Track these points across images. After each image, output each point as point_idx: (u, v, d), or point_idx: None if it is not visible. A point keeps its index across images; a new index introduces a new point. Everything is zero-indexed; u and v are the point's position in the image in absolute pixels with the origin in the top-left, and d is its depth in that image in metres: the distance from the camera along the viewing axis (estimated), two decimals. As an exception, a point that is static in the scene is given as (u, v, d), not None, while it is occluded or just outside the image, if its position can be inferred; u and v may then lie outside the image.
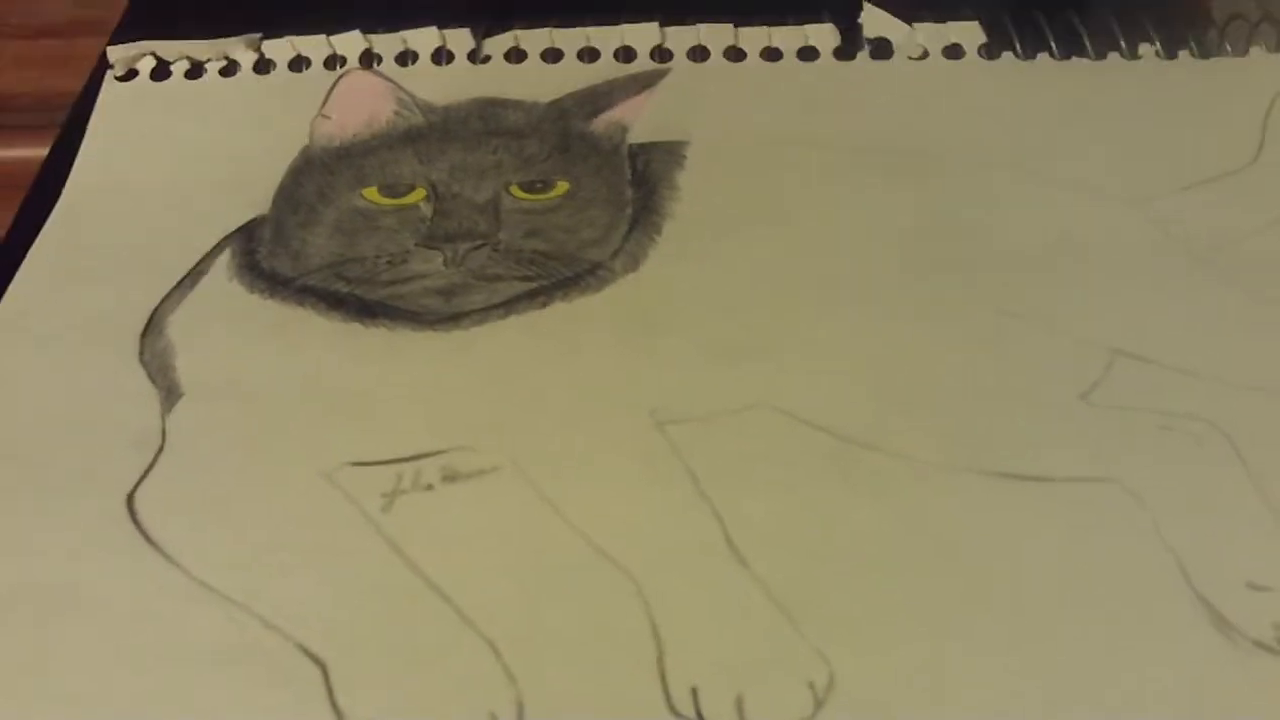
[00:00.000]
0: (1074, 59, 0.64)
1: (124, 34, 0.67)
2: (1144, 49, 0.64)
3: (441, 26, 0.66)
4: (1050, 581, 0.45)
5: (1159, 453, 0.48)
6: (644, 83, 0.64)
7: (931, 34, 0.65)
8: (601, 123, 0.61)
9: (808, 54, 0.65)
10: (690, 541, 0.46)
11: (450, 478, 0.48)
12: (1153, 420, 0.49)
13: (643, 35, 0.66)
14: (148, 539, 0.47)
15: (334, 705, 0.42)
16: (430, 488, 0.48)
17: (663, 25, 0.66)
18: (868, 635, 0.44)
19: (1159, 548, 0.45)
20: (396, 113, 0.61)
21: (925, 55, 0.65)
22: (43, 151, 0.62)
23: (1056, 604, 0.44)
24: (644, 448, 0.49)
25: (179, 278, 0.56)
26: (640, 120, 0.62)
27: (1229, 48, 0.64)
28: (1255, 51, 0.64)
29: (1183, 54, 0.64)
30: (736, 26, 0.66)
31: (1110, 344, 0.52)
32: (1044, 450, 0.48)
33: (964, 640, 0.43)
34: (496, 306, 0.54)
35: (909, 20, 0.65)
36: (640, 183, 0.59)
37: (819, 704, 0.42)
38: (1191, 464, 0.48)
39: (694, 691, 0.42)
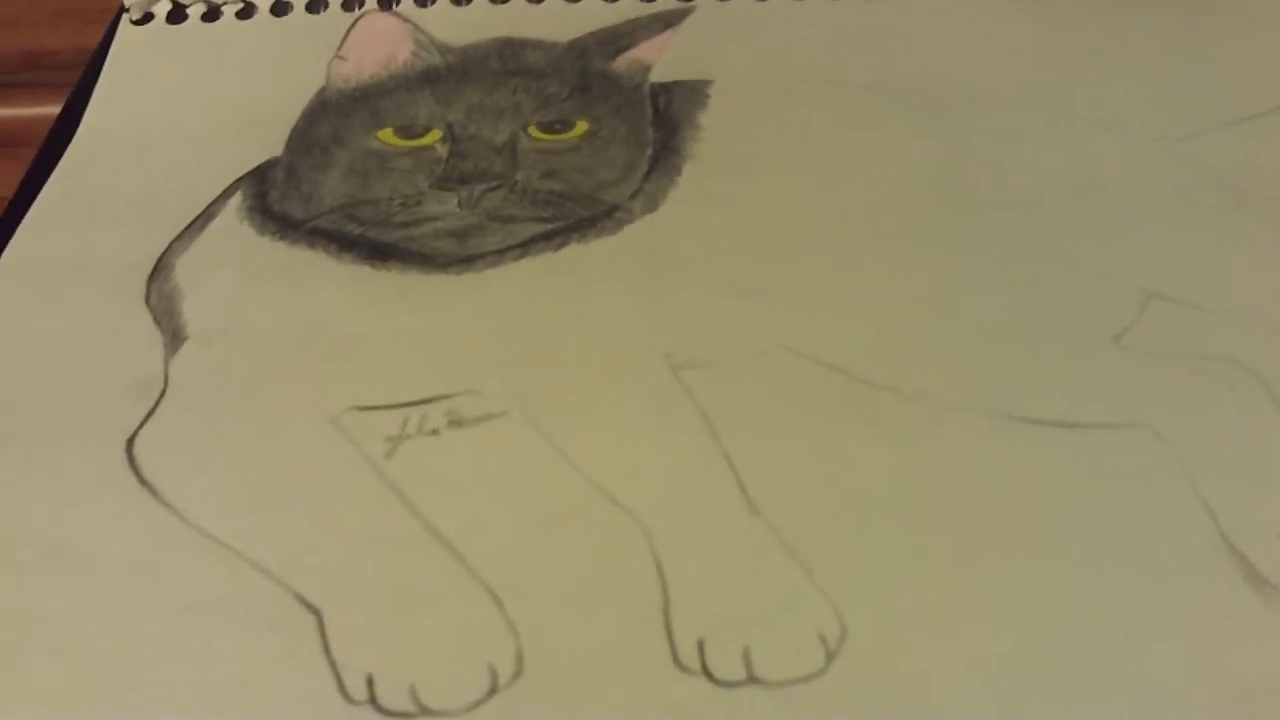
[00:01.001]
0: (1103, -9, 0.62)
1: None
2: (1176, -22, 0.62)
3: (462, -34, 0.65)
4: (1075, 532, 0.43)
5: (1191, 397, 0.47)
6: (667, 21, 0.62)
7: (960, -30, 0.64)
8: (623, 62, 0.60)
9: (835, -9, 0.63)
10: (702, 488, 0.45)
11: (456, 423, 0.47)
12: (1186, 364, 0.48)
13: (667, -28, 0.64)
14: (145, 484, 0.46)
15: (329, 656, 0.41)
16: (436, 433, 0.47)
17: (688, -38, 0.64)
18: (883, 585, 0.42)
19: (1190, 497, 0.44)
20: (414, 53, 0.60)
21: (951, -8, 0.63)
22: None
23: (1081, 555, 0.43)
24: (657, 392, 0.48)
25: (189, 221, 0.55)
26: (663, 59, 0.61)
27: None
28: (1296, -16, 0.62)
29: (1219, -13, 0.62)
30: (763, -37, 0.64)
31: (1144, 286, 0.50)
32: (1071, 394, 0.47)
33: (983, 592, 0.42)
34: (511, 248, 0.53)
35: (937, -43, 0.63)
36: (662, 123, 0.58)
37: (830, 656, 0.41)
38: (1224, 409, 0.46)
39: (700, 644, 0.41)
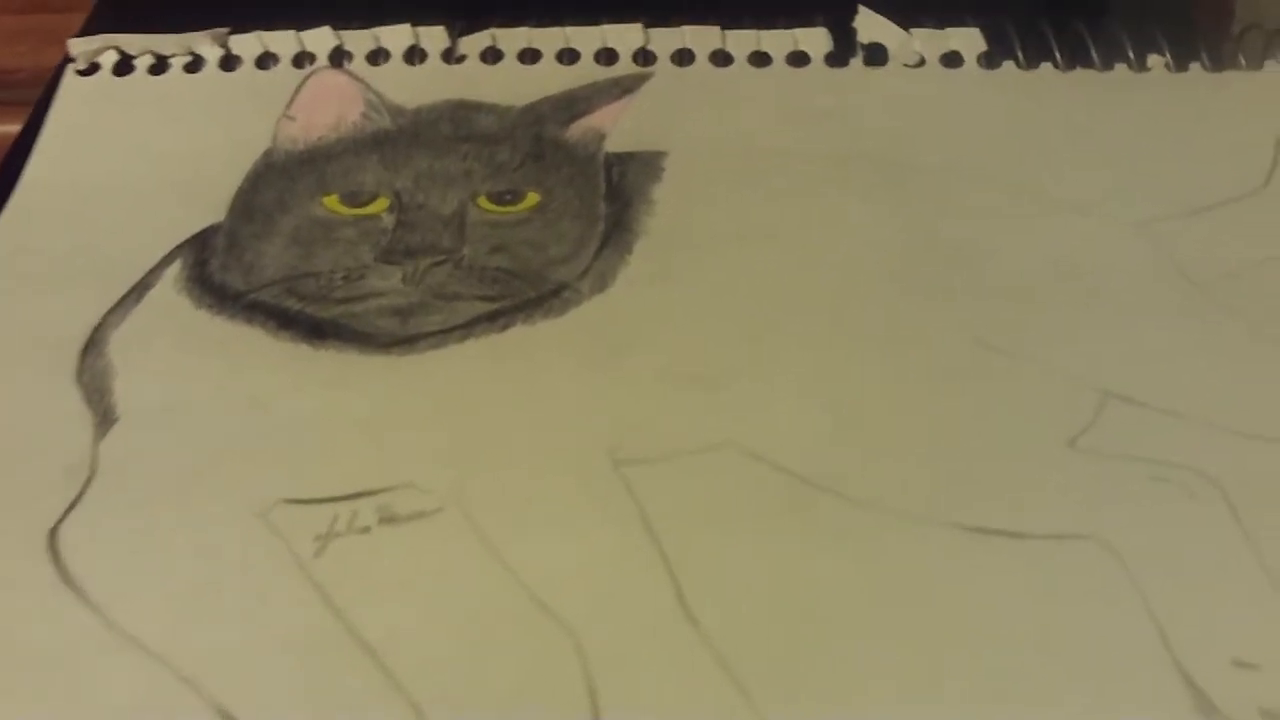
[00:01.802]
0: (1078, 69, 0.62)
1: (92, 26, 0.65)
2: (1153, 60, 0.62)
3: (416, 24, 0.64)
4: (1023, 651, 0.42)
5: (1147, 508, 0.45)
6: (625, 87, 0.61)
7: (929, 40, 0.63)
8: (578, 129, 0.59)
9: (798, 59, 0.63)
10: (637, 596, 0.43)
11: (388, 519, 0.46)
12: (1143, 470, 0.46)
13: (625, 36, 0.63)
14: (67, 580, 0.44)
15: (248, 771, 0.40)
16: (366, 530, 0.45)
17: (646, 27, 0.63)
18: (824, 705, 0.41)
19: (1141, 616, 0.43)
20: (364, 115, 0.59)
21: (922, 63, 0.62)
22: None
23: (1029, 676, 0.41)
24: (598, 490, 0.46)
25: (126, 289, 0.53)
26: (619, 127, 0.59)
27: (1243, 60, 0.61)
28: (1270, 65, 0.62)
29: (1194, 66, 0.61)
30: (724, 29, 0.63)
31: (1103, 385, 0.49)
32: (1024, 502, 0.46)
33: (926, 709, 0.41)
34: (454, 329, 0.51)
35: (906, 26, 0.62)
36: (614, 196, 0.57)
37: (766, 784, 0.39)
38: (1181, 521, 0.45)
39: (629, 765, 0.39)
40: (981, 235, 0.54)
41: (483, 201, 0.55)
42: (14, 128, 0.60)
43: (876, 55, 0.62)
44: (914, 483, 0.46)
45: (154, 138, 0.60)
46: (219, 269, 0.54)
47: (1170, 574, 0.43)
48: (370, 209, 0.55)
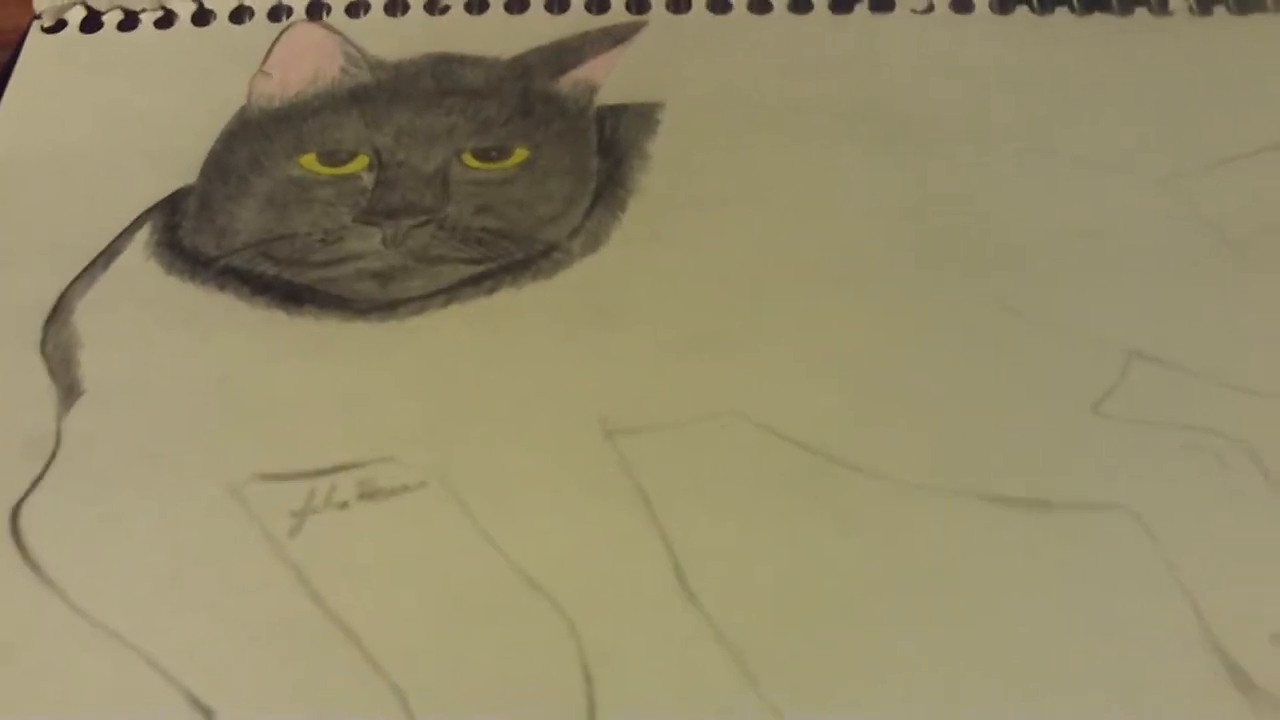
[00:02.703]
0: (1096, 14, 0.59)
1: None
2: (1175, 2, 0.59)
3: (398, -28, 0.61)
4: (1047, 629, 0.41)
5: (1176, 476, 0.44)
6: (617, 37, 0.59)
7: (940, -16, 0.61)
8: (568, 81, 0.57)
9: (801, 6, 0.60)
10: (634, 576, 0.42)
11: (368, 495, 0.44)
12: (1171, 436, 0.45)
13: (618, -19, 0.61)
14: (28, 561, 0.43)
15: (219, 763, 0.39)
16: (345, 506, 0.44)
17: (640, -28, 0.61)
18: (833, 691, 0.39)
19: (1172, 589, 0.41)
20: (343, 69, 0.57)
21: (931, 8, 0.60)
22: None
23: (1053, 657, 0.40)
24: (589, 462, 0.45)
25: (93, 256, 0.51)
26: (611, 79, 0.57)
27: (1270, 2, 0.59)
28: (1300, 6, 0.59)
29: (1218, 9, 0.59)
30: (722, -27, 0.61)
31: (1128, 345, 0.47)
32: (1045, 470, 0.44)
33: (945, 697, 0.39)
34: (437, 293, 0.49)
35: (915, -32, 0.60)
36: (607, 151, 0.54)
37: (770, 775, 0.38)
38: (1213, 490, 0.43)
39: (628, 752, 0.38)
40: (995, 192, 0.52)
41: (467, 158, 0.53)
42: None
43: (883, 1, 0.60)
44: (929, 452, 0.45)
45: (123, 98, 0.58)
46: (190, 233, 0.52)
47: (1202, 544, 0.42)
48: (349, 168, 0.53)
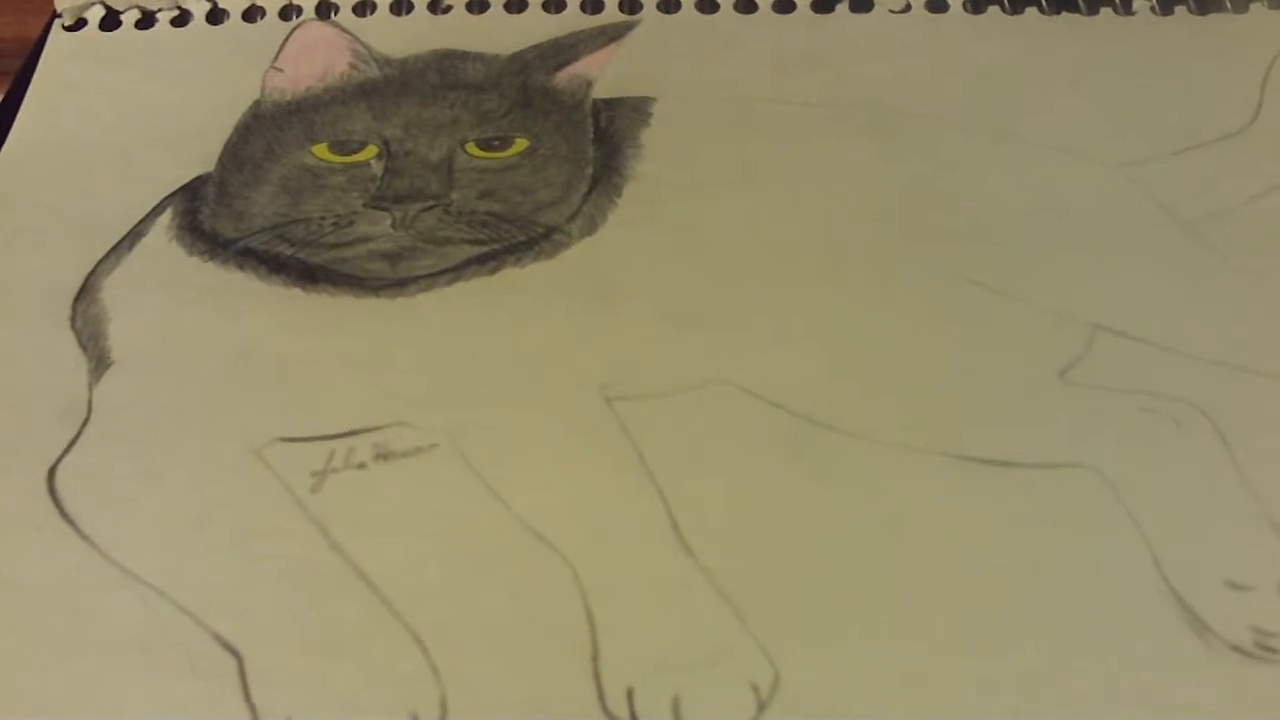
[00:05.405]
0: (1064, 13, 0.62)
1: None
2: (1139, 3, 0.62)
3: (402, -26, 0.63)
4: (1016, 576, 0.43)
5: (1137, 437, 0.46)
6: (611, 35, 0.61)
7: (915, -16, 0.63)
8: (564, 77, 0.59)
9: (784, 6, 0.63)
10: (633, 528, 0.44)
11: (384, 456, 0.46)
12: (1133, 401, 0.47)
13: (612, -16, 0.63)
14: (65, 517, 0.45)
15: (248, 699, 0.40)
16: (362, 466, 0.46)
17: (632, -26, 0.63)
18: (818, 631, 0.42)
19: (1135, 540, 0.43)
20: (351, 65, 0.59)
21: (908, 8, 0.62)
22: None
23: (1022, 601, 0.42)
24: (590, 425, 0.47)
25: (117, 239, 0.53)
26: (606, 75, 0.59)
27: (1229, 3, 0.62)
28: (1256, 8, 0.62)
29: (1179, 9, 0.62)
30: (710, -25, 0.63)
31: (1092, 319, 0.49)
32: (1015, 432, 0.46)
33: (920, 637, 0.41)
34: (444, 272, 0.51)
35: (892, -30, 0.62)
36: (603, 141, 0.56)
37: (762, 706, 0.40)
38: (1171, 450, 0.46)
39: (629, 692, 0.40)
40: (969, 177, 0.54)
41: (471, 147, 0.55)
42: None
43: (862, 1, 0.62)
44: (906, 415, 0.47)
45: (142, 92, 0.60)
46: (210, 217, 0.54)
47: (1161, 500, 0.44)
48: (359, 156, 0.55)
